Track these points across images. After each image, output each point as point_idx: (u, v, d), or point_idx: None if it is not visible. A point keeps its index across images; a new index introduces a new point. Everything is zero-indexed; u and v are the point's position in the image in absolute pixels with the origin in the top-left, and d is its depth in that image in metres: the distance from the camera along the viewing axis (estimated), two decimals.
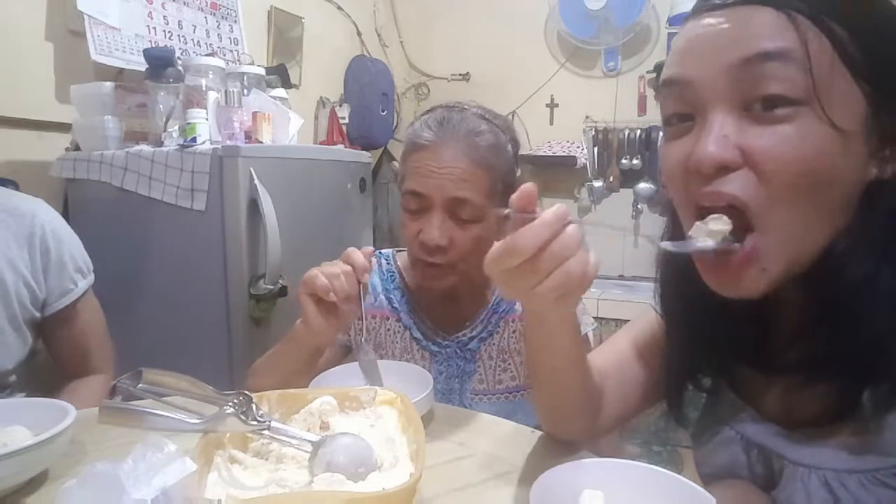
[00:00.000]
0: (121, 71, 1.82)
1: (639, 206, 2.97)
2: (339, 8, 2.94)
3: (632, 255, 3.02)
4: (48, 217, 1.05)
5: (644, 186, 2.93)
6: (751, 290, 0.55)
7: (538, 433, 0.82)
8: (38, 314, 1.02)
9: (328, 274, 0.84)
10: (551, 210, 0.50)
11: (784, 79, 0.50)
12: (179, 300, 1.59)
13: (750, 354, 0.65)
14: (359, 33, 3.08)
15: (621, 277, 3.02)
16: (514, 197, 0.51)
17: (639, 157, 2.93)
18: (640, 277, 2.97)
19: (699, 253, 0.56)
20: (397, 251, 1.18)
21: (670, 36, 2.65)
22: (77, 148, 1.70)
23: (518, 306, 1.08)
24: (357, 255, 0.88)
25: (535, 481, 0.55)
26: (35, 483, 0.67)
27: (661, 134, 2.69)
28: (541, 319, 0.60)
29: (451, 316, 1.10)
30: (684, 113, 0.57)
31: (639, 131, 2.91)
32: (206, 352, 1.55)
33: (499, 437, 0.80)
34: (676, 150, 0.57)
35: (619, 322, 2.51)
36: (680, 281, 0.67)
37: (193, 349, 1.56)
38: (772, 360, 0.63)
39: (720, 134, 0.52)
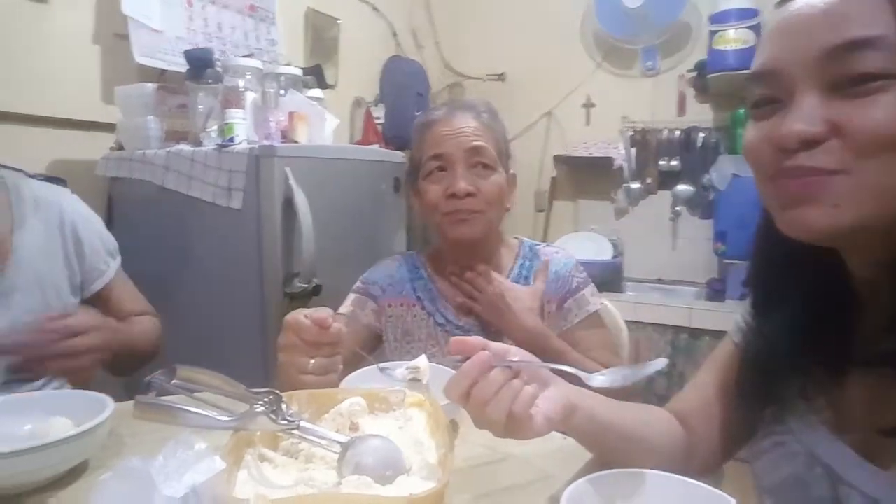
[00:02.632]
0: (163, 72, 1.87)
1: (677, 209, 2.90)
2: (375, 9, 2.96)
3: (670, 258, 2.95)
4: (73, 206, 1.08)
5: (683, 188, 2.85)
6: (818, 226, 0.53)
7: (570, 440, 0.80)
8: (75, 298, 1.06)
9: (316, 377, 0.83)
10: (472, 359, 0.57)
11: (876, 60, 0.49)
12: (216, 297, 1.62)
13: (835, 347, 0.62)
14: (394, 34, 3.09)
15: (659, 281, 2.96)
16: (453, 340, 0.60)
17: (678, 158, 2.85)
18: (679, 281, 2.91)
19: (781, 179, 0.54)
20: (420, 251, 1.28)
21: (712, 34, 2.57)
22: (121, 147, 1.76)
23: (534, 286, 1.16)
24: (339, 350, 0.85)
25: (566, 490, 0.54)
26: (76, 473, 0.69)
27: (700, 135, 2.63)
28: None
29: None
30: (772, 96, 0.56)
31: (678, 132, 2.84)
32: (242, 348, 1.57)
33: (530, 443, 0.78)
34: (761, 129, 0.56)
35: (656, 326, 2.46)
36: (773, 263, 0.66)
37: (229, 345, 1.59)
38: (857, 354, 0.60)
39: (807, 110, 0.52)
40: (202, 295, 1.64)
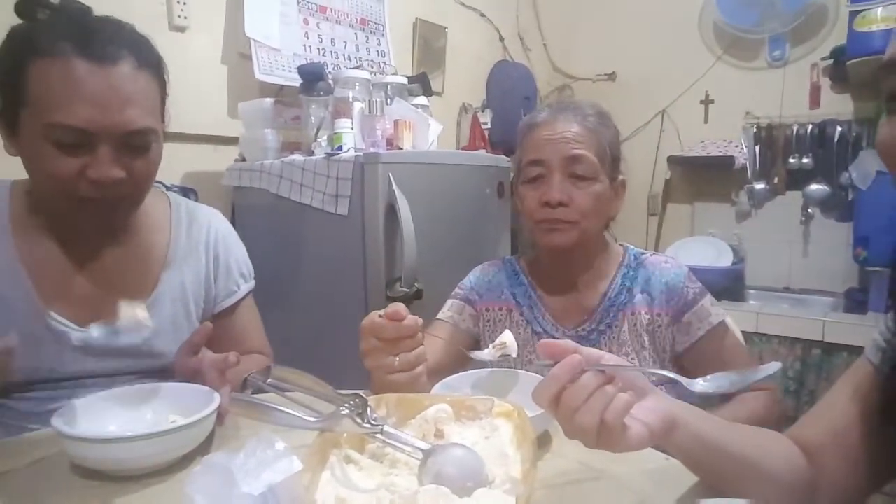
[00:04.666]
0: (281, 87, 1.99)
1: (809, 211, 2.64)
2: (482, 15, 2.97)
3: (800, 265, 2.70)
4: (220, 227, 1.16)
5: (816, 188, 2.59)
6: None
7: (673, 461, 0.74)
8: (208, 312, 1.13)
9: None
10: (562, 362, 0.54)
11: None
12: (322, 299, 1.70)
13: None
14: (501, 38, 3.09)
15: (787, 290, 2.71)
16: (541, 343, 0.57)
17: (810, 155, 2.60)
18: (811, 290, 2.65)
19: None
20: (519, 256, 1.27)
21: (852, 15, 2.31)
22: (243, 159, 1.89)
23: (637, 298, 1.11)
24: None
25: None
26: (184, 462, 0.74)
27: (837, 129, 2.37)
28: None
29: (570, 309, 1.15)
30: None
31: (810, 126, 2.59)
32: (345, 350, 1.62)
33: (628, 460, 0.74)
34: None
35: (781, 339, 2.25)
36: None
37: (334, 346, 1.65)
38: None
39: None
40: (310, 297, 1.72)
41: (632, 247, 1.20)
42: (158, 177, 1.05)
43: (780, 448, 0.68)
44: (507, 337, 0.82)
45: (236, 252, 1.17)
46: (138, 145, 0.89)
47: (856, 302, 2.39)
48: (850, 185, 2.46)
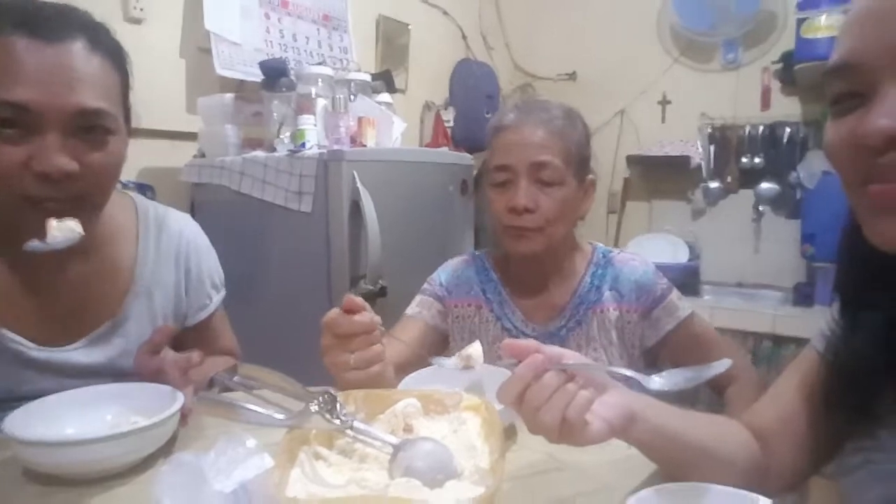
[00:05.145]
0: (242, 82, 1.96)
1: (760, 209, 2.75)
2: (445, 13, 2.98)
3: (752, 261, 2.79)
4: (192, 236, 1.08)
5: (767, 187, 2.70)
6: None
7: (635, 450, 0.77)
8: (177, 327, 1.04)
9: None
10: (525, 362, 0.56)
11: None
12: (286, 297, 1.68)
13: None
14: (464, 37, 3.10)
15: (739, 285, 2.80)
16: (505, 343, 0.58)
17: (761, 155, 2.70)
18: (762, 285, 2.75)
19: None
20: (488, 251, 1.27)
21: (799, 22, 2.41)
22: (203, 155, 1.85)
23: (605, 295, 1.13)
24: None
25: (629, 499, 0.52)
26: (148, 462, 0.73)
27: (787, 130, 2.46)
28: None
29: (540, 307, 1.15)
30: (853, 91, 0.52)
31: (761, 128, 2.69)
32: (309, 348, 1.61)
33: (591, 451, 0.76)
34: (843, 127, 0.52)
35: (736, 333, 2.33)
36: (862, 266, 0.62)
37: (297, 344, 1.63)
38: None
39: (893, 104, 0.47)
40: (273, 295, 1.70)
41: (600, 245, 1.21)
42: None
43: (736, 436, 0.71)
44: (475, 350, 0.81)
45: (208, 262, 1.10)
46: (92, 132, 0.80)
47: (803, 296, 2.50)
48: (799, 184, 2.57)
